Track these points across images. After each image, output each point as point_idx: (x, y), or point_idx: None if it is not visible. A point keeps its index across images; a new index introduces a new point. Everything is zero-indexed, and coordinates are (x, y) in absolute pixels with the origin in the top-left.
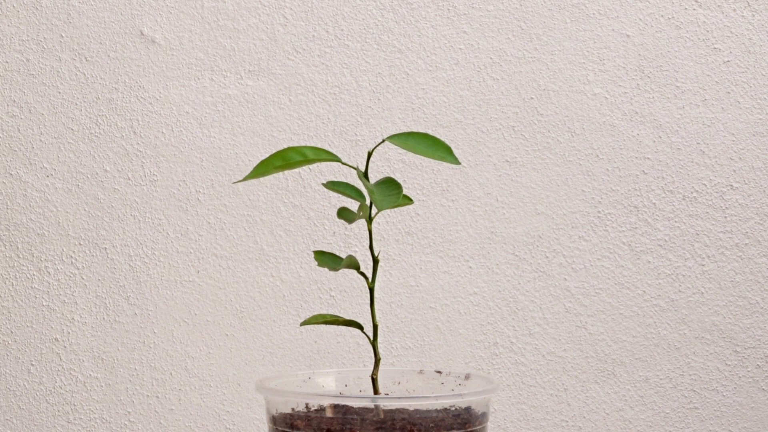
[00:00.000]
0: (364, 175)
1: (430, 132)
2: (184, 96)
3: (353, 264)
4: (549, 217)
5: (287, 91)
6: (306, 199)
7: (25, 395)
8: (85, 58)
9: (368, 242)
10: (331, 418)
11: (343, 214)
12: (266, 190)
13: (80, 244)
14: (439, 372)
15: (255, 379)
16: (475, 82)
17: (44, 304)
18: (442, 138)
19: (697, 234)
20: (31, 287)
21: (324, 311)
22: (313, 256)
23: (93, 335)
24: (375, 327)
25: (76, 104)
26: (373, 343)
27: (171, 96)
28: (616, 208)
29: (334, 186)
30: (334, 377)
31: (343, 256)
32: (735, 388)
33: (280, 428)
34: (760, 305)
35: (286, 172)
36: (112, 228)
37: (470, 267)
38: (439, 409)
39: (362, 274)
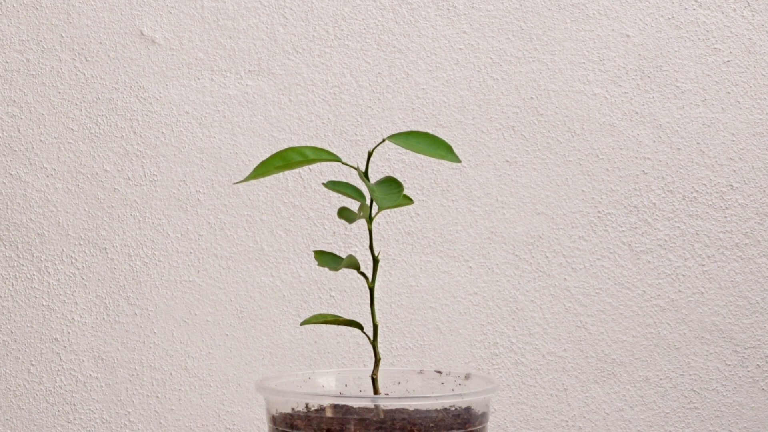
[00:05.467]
0: (365, 175)
1: (429, 131)
2: (184, 96)
3: (353, 264)
4: (549, 217)
5: (287, 91)
6: (306, 199)
7: (25, 395)
8: (85, 58)
9: (368, 242)
10: (331, 418)
11: (344, 214)
12: (266, 190)
13: (80, 244)
14: (439, 372)
15: (255, 379)
16: (475, 82)
17: (44, 304)
18: (442, 138)
19: (697, 234)
20: (31, 287)
21: (324, 311)
22: (313, 256)
23: (93, 335)
24: (375, 327)
25: (76, 104)
26: (373, 343)
27: (171, 96)
28: (616, 208)
29: (334, 186)
30: (334, 377)
31: (343, 256)
32: (735, 388)
33: (280, 428)
34: (760, 305)
35: (286, 172)
36: (112, 228)
37: (470, 267)
38: (439, 409)
39: (362, 274)
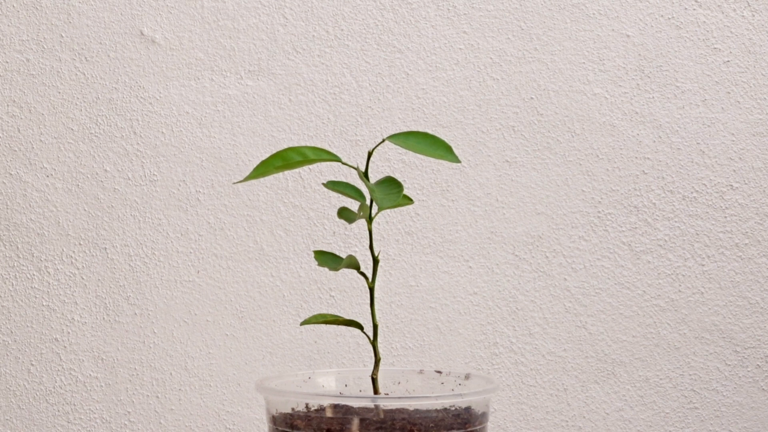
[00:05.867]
0: (365, 175)
1: (429, 131)
2: (184, 96)
3: (353, 264)
4: (549, 217)
5: (287, 91)
6: (306, 199)
7: (25, 395)
8: (85, 58)
9: (368, 242)
10: (331, 418)
11: (344, 214)
12: (266, 190)
13: (80, 244)
14: (439, 372)
15: (255, 379)
16: (475, 82)
17: (44, 304)
18: (442, 138)
19: (697, 234)
20: (31, 287)
21: (324, 311)
22: (313, 256)
23: (93, 335)
24: (375, 327)
25: (76, 104)
26: (373, 343)
27: (171, 96)
28: (616, 208)
29: (334, 186)
30: (334, 377)
31: (343, 256)
32: (735, 388)
33: (280, 428)
34: (760, 305)
35: (286, 172)
36: (112, 228)
37: (470, 267)
38: (439, 409)
39: (362, 274)
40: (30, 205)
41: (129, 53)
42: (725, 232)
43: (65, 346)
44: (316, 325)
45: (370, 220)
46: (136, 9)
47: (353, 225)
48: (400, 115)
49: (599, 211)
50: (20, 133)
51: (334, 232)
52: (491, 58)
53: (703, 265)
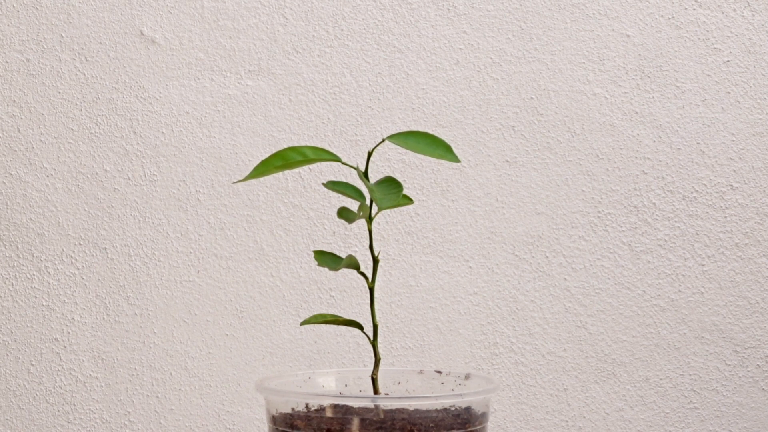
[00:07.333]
0: (365, 175)
1: (429, 131)
2: (184, 96)
3: (353, 264)
4: (549, 217)
5: (287, 91)
6: (306, 199)
7: (25, 395)
8: (85, 58)
9: (368, 242)
10: (331, 418)
11: (343, 214)
12: (266, 190)
13: (80, 244)
14: (439, 372)
15: (255, 379)
16: (475, 82)
17: (44, 304)
18: (442, 137)
19: (697, 234)
20: (31, 287)
21: (324, 311)
22: (313, 256)
23: (93, 335)
24: (375, 327)
25: (76, 104)
26: (373, 343)
27: (171, 96)
28: (616, 208)
29: (334, 186)
30: (334, 377)
31: (343, 256)
32: (735, 388)
33: (280, 428)
34: (760, 305)
35: (286, 172)
36: (112, 228)
37: (470, 267)
38: (439, 409)
39: (362, 274)
40: (30, 205)
41: (129, 53)
42: (725, 232)
43: (65, 346)
44: (316, 325)
45: (370, 220)
46: (136, 9)
47: (353, 225)
48: (400, 115)
49: (599, 211)
50: (20, 133)
51: (334, 232)
52: (491, 58)
53: (703, 265)
